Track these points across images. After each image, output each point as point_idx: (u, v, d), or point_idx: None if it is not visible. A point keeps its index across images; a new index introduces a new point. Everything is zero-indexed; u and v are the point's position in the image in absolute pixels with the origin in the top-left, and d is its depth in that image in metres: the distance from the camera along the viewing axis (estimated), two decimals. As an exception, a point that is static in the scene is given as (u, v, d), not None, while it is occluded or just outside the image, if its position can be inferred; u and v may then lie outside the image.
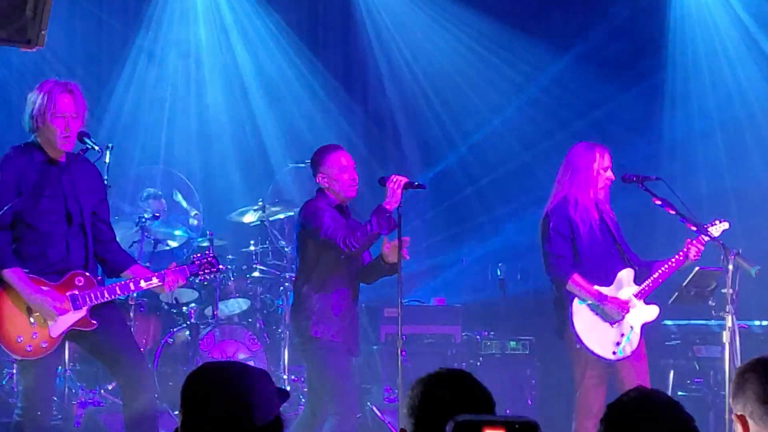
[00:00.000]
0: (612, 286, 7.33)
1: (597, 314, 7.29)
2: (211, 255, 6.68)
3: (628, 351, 7.28)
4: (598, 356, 7.26)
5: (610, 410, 3.16)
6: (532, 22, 11.87)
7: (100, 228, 6.36)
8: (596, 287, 7.27)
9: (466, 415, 2.65)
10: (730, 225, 7.47)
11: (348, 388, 6.89)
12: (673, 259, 7.34)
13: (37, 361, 6.04)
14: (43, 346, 6.01)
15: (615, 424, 3.11)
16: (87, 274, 6.15)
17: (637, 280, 7.40)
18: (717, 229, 7.41)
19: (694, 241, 7.28)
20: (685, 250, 7.30)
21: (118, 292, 6.25)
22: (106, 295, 6.16)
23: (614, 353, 7.27)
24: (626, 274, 7.38)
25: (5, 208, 5.95)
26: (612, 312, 7.24)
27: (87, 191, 6.27)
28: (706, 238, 7.24)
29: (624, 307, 7.26)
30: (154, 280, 6.31)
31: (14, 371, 8.31)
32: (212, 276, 6.78)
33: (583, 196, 7.37)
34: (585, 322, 7.30)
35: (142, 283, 6.37)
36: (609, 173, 7.41)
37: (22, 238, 6.07)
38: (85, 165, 6.31)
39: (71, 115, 6.06)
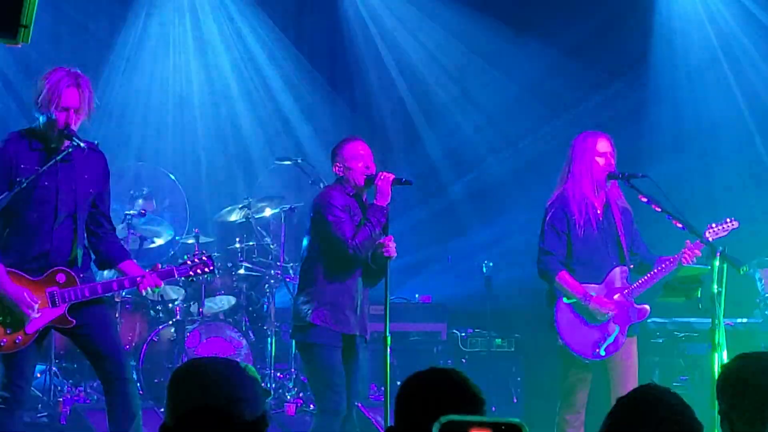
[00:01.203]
0: (602, 284, 7.31)
1: (581, 313, 7.28)
2: (207, 255, 6.63)
3: (612, 351, 7.26)
4: (578, 354, 7.26)
5: (619, 406, 3.14)
6: (527, 26, 11.85)
7: (98, 219, 6.31)
8: (584, 285, 7.26)
9: (452, 415, 2.64)
10: (739, 225, 7.45)
11: (337, 386, 6.86)
12: (670, 260, 7.31)
13: (14, 353, 6.03)
14: (17, 341, 5.99)
15: (622, 420, 3.10)
16: (69, 271, 6.11)
17: (632, 278, 7.39)
18: (725, 227, 7.38)
19: (692, 246, 7.24)
20: (679, 254, 7.28)
21: (100, 291, 6.20)
22: (87, 293, 6.12)
23: (594, 353, 7.26)
24: (618, 272, 7.35)
25: (-7, 203, 5.93)
26: (596, 312, 7.23)
27: (87, 182, 6.19)
28: (703, 243, 7.21)
29: (608, 308, 7.24)
30: (135, 282, 6.28)
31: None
32: (205, 275, 6.72)
33: (580, 187, 7.33)
34: (568, 319, 7.29)
35: (126, 284, 6.35)
36: (606, 159, 7.35)
37: (9, 227, 6.03)
38: (91, 155, 6.20)
39: (74, 109, 6.03)
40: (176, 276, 6.50)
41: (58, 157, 6.05)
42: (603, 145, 7.37)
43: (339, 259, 6.90)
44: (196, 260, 6.55)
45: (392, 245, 6.89)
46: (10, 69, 10.93)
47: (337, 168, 7.04)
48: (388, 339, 6.84)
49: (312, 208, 7.06)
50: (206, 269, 6.57)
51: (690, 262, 7.26)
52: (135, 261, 6.53)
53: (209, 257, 6.60)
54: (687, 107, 11.67)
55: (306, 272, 7.07)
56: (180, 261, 6.67)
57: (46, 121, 6.02)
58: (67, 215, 6.12)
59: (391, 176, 6.91)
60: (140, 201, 10.19)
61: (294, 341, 7.32)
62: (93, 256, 6.38)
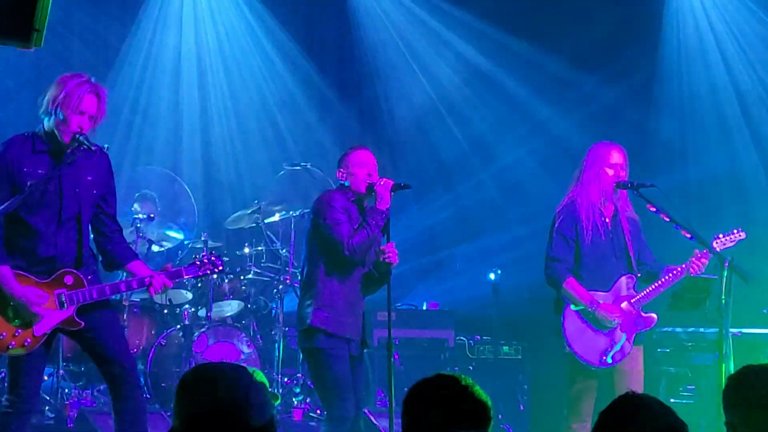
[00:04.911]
0: (609, 292, 7.33)
1: (588, 320, 7.30)
2: (215, 255, 6.64)
3: (618, 359, 7.28)
4: (585, 362, 7.27)
5: (602, 416, 3.17)
6: (537, 36, 11.85)
7: (104, 221, 6.31)
8: (592, 293, 7.27)
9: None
10: (746, 235, 7.46)
11: (344, 392, 6.86)
12: (678, 269, 7.32)
13: (23, 356, 6.04)
14: (26, 343, 6.00)
15: (606, 430, 3.12)
16: (77, 273, 6.11)
17: (639, 287, 7.39)
18: (732, 238, 7.39)
19: (700, 256, 7.25)
20: (687, 263, 7.28)
21: (108, 292, 6.21)
22: (95, 295, 6.13)
23: (601, 360, 7.28)
24: (625, 281, 7.37)
25: (0, 208, 5.92)
26: (603, 319, 7.25)
27: (91, 184, 6.19)
28: (710, 253, 7.22)
29: (615, 316, 7.25)
30: (143, 283, 6.28)
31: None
32: (214, 274, 6.71)
33: (589, 196, 7.36)
34: (576, 326, 7.31)
35: (134, 285, 6.35)
36: (615, 170, 7.36)
37: (14, 230, 6.03)
38: (95, 156, 6.20)
39: (90, 115, 6.04)
40: (184, 276, 6.48)
41: (68, 161, 6.06)
42: (615, 157, 7.40)
43: (337, 261, 6.92)
44: (204, 260, 6.54)
45: (394, 252, 6.92)
46: (27, 72, 10.95)
47: (340, 174, 7.09)
48: (392, 345, 6.86)
49: (312, 211, 7.10)
50: (215, 269, 6.57)
51: (698, 271, 7.27)
52: (143, 261, 6.53)
53: (218, 257, 6.61)
54: (693, 120, 11.67)
55: (306, 275, 7.08)
56: (188, 262, 6.66)
57: (59, 122, 6.01)
58: (71, 218, 6.12)
59: (391, 182, 6.96)
60: (143, 205, 10.19)
61: (299, 348, 7.30)
62: (100, 258, 6.38)
